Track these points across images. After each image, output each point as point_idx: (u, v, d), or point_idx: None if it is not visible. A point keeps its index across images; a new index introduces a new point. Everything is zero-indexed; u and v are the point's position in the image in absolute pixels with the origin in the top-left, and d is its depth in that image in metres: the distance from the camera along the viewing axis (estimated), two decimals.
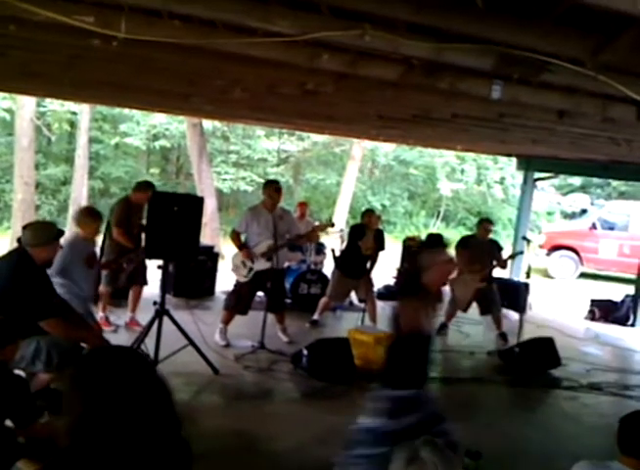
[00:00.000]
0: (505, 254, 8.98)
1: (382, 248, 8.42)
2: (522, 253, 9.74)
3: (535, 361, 7.27)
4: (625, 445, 2.71)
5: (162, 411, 1.75)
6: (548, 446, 5.32)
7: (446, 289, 8.65)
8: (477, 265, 8.40)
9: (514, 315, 9.63)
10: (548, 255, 16.49)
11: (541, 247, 16.52)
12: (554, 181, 21.91)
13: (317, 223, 9.41)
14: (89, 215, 6.02)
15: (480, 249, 8.47)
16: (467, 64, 2.97)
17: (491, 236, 8.94)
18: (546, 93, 3.68)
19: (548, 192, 23.81)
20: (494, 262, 8.59)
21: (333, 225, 8.26)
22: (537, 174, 12.04)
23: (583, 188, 25.21)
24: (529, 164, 11.61)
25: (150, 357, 2.77)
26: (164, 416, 1.75)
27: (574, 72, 3.04)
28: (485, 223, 8.82)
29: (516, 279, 11.15)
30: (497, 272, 8.97)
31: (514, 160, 12.82)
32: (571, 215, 23.02)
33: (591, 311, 10.83)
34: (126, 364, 1.76)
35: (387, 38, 2.61)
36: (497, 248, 8.83)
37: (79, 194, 16.41)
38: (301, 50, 2.92)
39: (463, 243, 8.68)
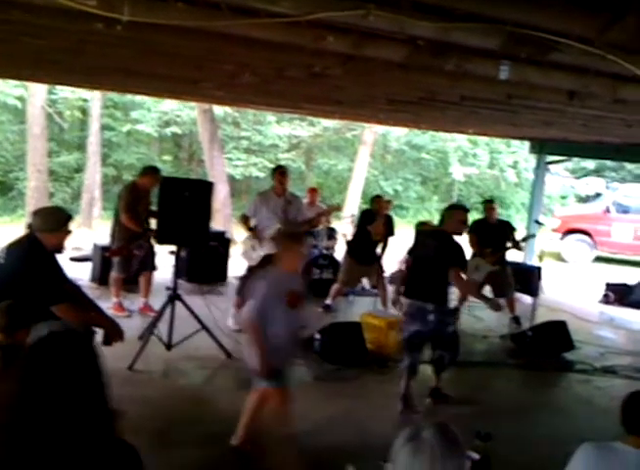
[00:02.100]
0: (518, 235, 8.93)
1: (391, 233, 8.41)
2: (534, 235, 9.68)
3: (548, 345, 7.25)
4: (630, 424, 2.71)
5: (90, 403, 1.77)
6: (560, 428, 5.32)
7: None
8: (487, 249, 8.39)
9: (527, 299, 9.61)
10: (562, 238, 16.39)
11: (555, 230, 16.42)
12: (568, 165, 21.75)
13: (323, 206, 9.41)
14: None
15: (490, 231, 8.46)
16: (473, 43, 2.94)
17: (501, 217, 8.89)
18: (555, 73, 3.64)
19: (562, 176, 23.65)
20: (508, 244, 8.54)
21: (339, 209, 8.25)
22: (550, 158, 11.94)
23: (597, 171, 25.02)
24: (542, 148, 11.52)
25: (90, 337, 2.73)
26: (92, 409, 1.77)
27: (583, 52, 3.01)
28: (489, 204, 8.79)
29: (528, 263, 11.11)
30: (512, 255, 8.94)
31: (526, 143, 12.73)
32: (585, 199, 22.85)
33: (605, 295, 10.77)
34: (64, 353, 1.80)
35: (391, 18, 2.59)
36: (509, 228, 8.76)
37: (92, 181, 16.51)
38: (306, 31, 2.91)
39: (472, 227, 8.63)
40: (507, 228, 8.75)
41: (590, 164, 24.03)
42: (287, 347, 4.12)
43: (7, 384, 1.77)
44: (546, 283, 9.91)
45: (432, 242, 5.60)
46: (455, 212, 5.62)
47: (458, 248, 5.41)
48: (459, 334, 5.88)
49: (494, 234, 8.48)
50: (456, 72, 3.45)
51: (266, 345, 3.92)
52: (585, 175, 24.97)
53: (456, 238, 5.52)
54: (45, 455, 1.68)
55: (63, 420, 1.70)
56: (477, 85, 4.02)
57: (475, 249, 8.49)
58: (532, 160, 14.68)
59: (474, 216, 9.12)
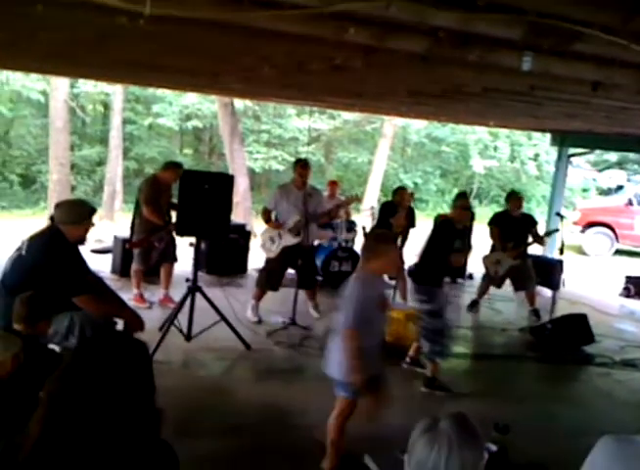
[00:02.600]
0: (540, 229, 8.86)
1: (412, 225, 8.39)
2: (557, 230, 9.63)
3: (568, 338, 7.21)
4: None
5: (137, 403, 1.78)
6: (579, 421, 5.29)
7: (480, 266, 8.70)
8: (509, 242, 8.34)
9: (547, 292, 9.56)
10: (583, 231, 16.25)
11: (576, 223, 16.29)
12: (589, 157, 21.57)
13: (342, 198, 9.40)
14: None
15: (513, 225, 8.39)
16: (496, 34, 2.92)
17: (524, 211, 8.82)
18: (578, 64, 3.59)
19: (583, 168, 23.44)
20: (530, 239, 8.47)
21: (358, 200, 8.26)
22: (572, 150, 11.83)
23: (620, 164, 24.75)
24: (564, 140, 11.42)
25: (145, 343, 2.72)
26: (138, 411, 1.77)
27: (607, 42, 2.97)
28: (514, 197, 8.66)
29: (549, 256, 11.04)
30: (534, 249, 8.89)
31: (548, 135, 12.61)
32: (607, 192, 22.62)
33: (626, 288, 10.68)
34: (115, 355, 1.81)
35: (413, 9, 2.58)
36: (531, 222, 8.66)
37: (114, 174, 16.64)
38: (327, 23, 2.90)
39: (494, 220, 8.65)
40: (529, 222, 8.65)
41: (612, 156, 23.77)
42: (377, 354, 4.03)
43: (54, 379, 1.78)
44: (567, 276, 9.82)
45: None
46: (457, 200, 5.99)
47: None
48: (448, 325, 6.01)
49: (517, 228, 8.40)
50: (478, 64, 3.41)
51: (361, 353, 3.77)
52: (607, 168, 24.72)
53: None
54: (88, 454, 1.69)
55: (110, 420, 1.70)
56: (499, 77, 3.98)
57: (496, 242, 8.47)
58: (554, 152, 14.55)
59: (493, 209, 9.08)
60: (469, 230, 7.02)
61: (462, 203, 5.99)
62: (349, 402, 3.98)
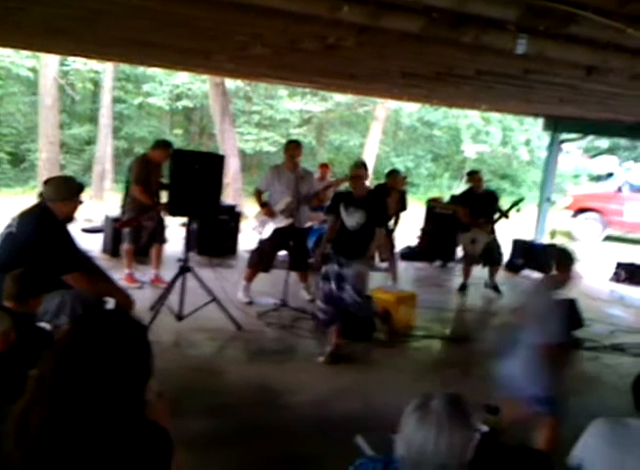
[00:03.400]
0: (504, 204, 9.08)
1: (404, 208, 8.40)
2: (523, 200, 9.62)
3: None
4: None
5: (128, 386, 1.77)
6: (569, 404, 5.32)
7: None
8: (481, 219, 8.59)
9: (537, 276, 9.60)
10: (573, 217, 16.32)
11: (567, 209, 16.35)
12: (581, 144, 21.56)
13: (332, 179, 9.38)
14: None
15: (479, 202, 8.66)
16: (491, 15, 2.90)
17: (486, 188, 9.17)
18: (573, 47, 3.58)
19: (575, 155, 23.46)
20: (496, 215, 8.73)
21: (347, 180, 8.25)
22: (564, 136, 11.85)
23: (611, 150, 24.76)
24: (556, 125, 11.42)
25: (146, 327, 2.66)
26: (127, 394, 1.77)
27: (603, 25, 2.96)
28: (475, 175, 8.99)
29: (540, 241, 11.09)
30: (505, 225, 9.11)
31: (540, 121, 12.61)
32: (598, 178, 22.67)
33: (616, 273, 10.74)
34: (114, 333, 1.80)
35: None
36: (495, 198, 8.97)
37: (104, 153, 16.54)
38: (321, 1, 2.88)
39: (461, 200, 9.08)
40: (493, 198, 8.95)
41: (604, 142, 23.79)
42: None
43: (49, 353, 1.76)
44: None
45: None
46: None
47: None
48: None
49: (483, 204, 8.69)
50: (473, 45, 3.39)
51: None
52: (598, 154, 24.74)
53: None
54: (76, 432, 1.69)
55: (99, 399, 1.70)
56: (493, 59, 3.97)
57: (467, 221, 8.67)
58: (545, 138, 14.56)
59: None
60: None
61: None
62: (556, 418, 3.87)
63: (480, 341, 6.46)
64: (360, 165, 5.89)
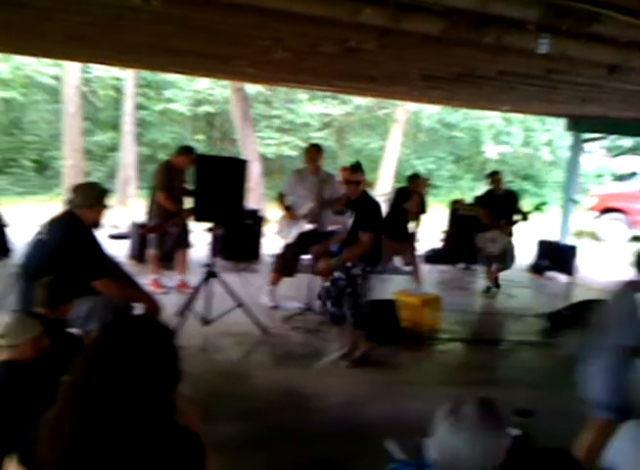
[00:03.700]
0: (525, 205, 9.10)
1: (423, 211, 8.39)
2: (544, 203, 9.64)
3: (585, 323, 7.17)
4: None
5: (158, 391, 1.79)
6: None
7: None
8: (502, 220, 8.59)
9: (562, 278, 9.53)
10: (598, 217, 16.14)
11: (591, 209, 16.18)
12: (604, 143, 21.37)
13: None
14: None
15: (499, 203, 8.67)
16: (513, 15, 2.90)
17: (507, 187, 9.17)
18: (596, 47, 3.56)
19: (598, 154, 23.24)
20: (515, 217, 8.73)
21: (369, 185, 8.27)
22: (586, 135, 11.74)
23: (634, 150, 24.48)
24: (579, 125, 11.32)
25: (173, 331, 2.61)
26: (158, 399, 1.78)
27: (625, 24, 2.94)
28: (495, 176, 8.96)
29: (564, 242, 11.00)
30: (529, 226, 9.20)
31: (562, 121, 12.51)
32: (621, 178, 22.42)
33: None
34: (144, 338, 1.82)
35: None
36: (515, 198, 8.95)
37: (127, 160, 16.68)
38: (343, 4, 2.89)
39: (481, 201, 9.04)
40: (513, 198, 8.92)
41: (627, 141, 23.52)
42: None
43: (81, 360, 1.79)
44: (581, 262, 9.79)
45: None
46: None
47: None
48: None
49: (503, 205, 8.69)
50: (495, 46, 3.39)
51: None
52: (621, 154, 24.47)
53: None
54: (107, 437, 1.70)
55: (130, 404, 1.72)
56: (515, 59, 3.95)
57: (488, 222, 8.63)
58: (568, 137, 14.41)
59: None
60: None
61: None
62: (612, 424, 3.60)
63: (562, 346, 6.42)
64: (358, 170, 5.81)
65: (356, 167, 5.77)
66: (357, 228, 5.49)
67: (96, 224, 4.58)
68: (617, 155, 24.41)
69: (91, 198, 4.47)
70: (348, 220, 5.65)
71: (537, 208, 9.22)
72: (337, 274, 5.57)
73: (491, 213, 8.62)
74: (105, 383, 1.71)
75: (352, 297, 5.54)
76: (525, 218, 8.79)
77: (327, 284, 5.74)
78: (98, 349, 1.78)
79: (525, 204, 9.23)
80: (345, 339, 5.84)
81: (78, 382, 1.73)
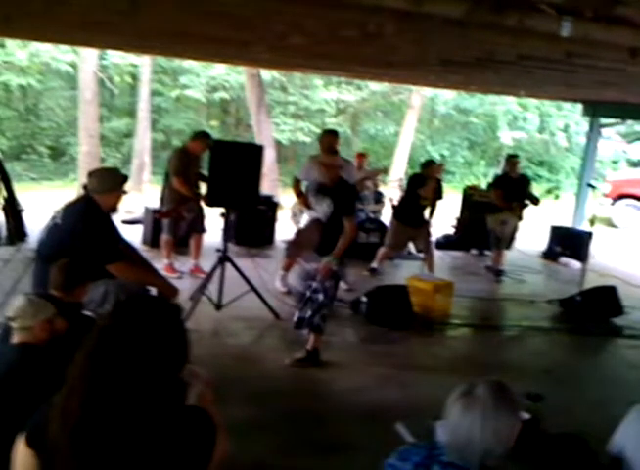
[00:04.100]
0: (535, 190, 9.35)
1: (440, 197, 8.35)
2: (556, 188, 9.72)
3: (597, 310, 7.17)
4: None
5: (166, 372, 1.80)
6: (608, 392, 5.28)
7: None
8: (514, 203, 8.77)
9: (576, 264, 9.48)
10: (613, 204, 16.01)
11: (606, 195, 16.04)
12: (620, 129, 21.13)
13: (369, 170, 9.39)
14: None
15: (513, 186, 8.82)
16: None
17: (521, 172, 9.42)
18: (619, 29, 3.50)
19: (614, 140, 23.01)
20: (526, 201, 8.91)
21: (385, 172, 8.26)
22: (603, 121, 11.62)
23: None
24: (596, 110, 11.20)
25: (180, 309, 2.52)
26: (166, 377, 1.79)
27: None
28: (512, 159, 9.16)
29: (579, 228, 10.93)
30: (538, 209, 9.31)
31: (578, 106, 12.40)
32: (637, 164, 22.21)
33: None
34: (151, 317, 1.83)
35: None
36: (527, 182, 9.19)
37: (142, 146, 16.70)
38: None
39: (496, 183, 9.20)
40: (526, 181, 9.16)
41: None
42: None
43: (88, 340, 1.80)
44: (596, 248, 9.74)
45: None
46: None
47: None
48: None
49: (517, 188, 8.84)
50: (516, 29, 3.34)
51: None
52: (638, 139, 24.22)
53: None
54: (116, 415, 1.71)
55: (136, 382, 1.73)
56: (536, 43, 3.89)
57: (501, 203, 8.80)
58: (584, 123, 14.29)
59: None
60: None
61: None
62: None
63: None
64: (336, 154, 5.64)
65: (335, 151, 5.61)
66: (340, 215, 5.30)
67: (113, 209, 4.60)
68: (632, 141, 24.17)
69: (109, 183, 4.49)
70: (319, 207, 5.42)
71: (549, 192, 9.28)
72: (315, 285, 5.30)
73: (504, 196, 8.75)
74: (113, 360, 1.72)
75: (320, 305, 5.31)
76: (536, 203, 8.93)
77: (304, 288, 5.45)
78: (107, 327, 1.79)
79: (538, 189, 9.31)
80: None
81: (87, 360, 1.75)
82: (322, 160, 5.52)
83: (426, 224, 8.29)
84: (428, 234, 8.38)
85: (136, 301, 2.03)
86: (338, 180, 5.47)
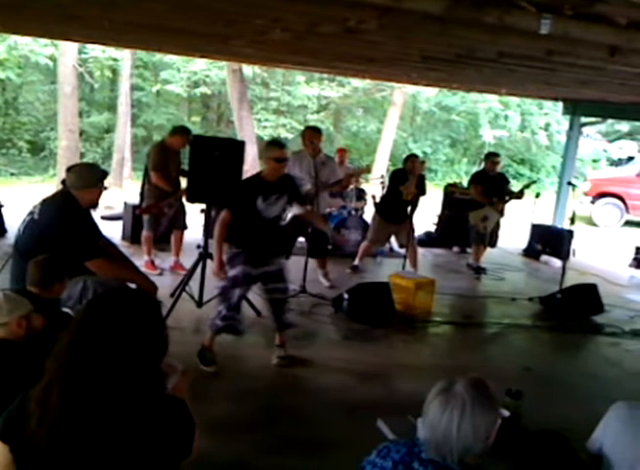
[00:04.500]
0: (514, 187, 9.57)
1: (423, 193, 8.36)
2: (535, 182, 9.80)
3: (578, 307, 7.21)
4: None
5: (145, 363, 1.80)
6: (588, 389, 5.32)
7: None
8: (494, 198, 8.86)
9: (556, 262, 9.55)
10: (593, 202, 16.16)
11: (586, 194, 16.19)
12: (600, 128, 21.36)
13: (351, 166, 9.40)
14: None
15: (492, 182, 8.92)
16: None
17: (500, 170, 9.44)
18: (598, 27, 3.52)
19: (594, 139, 23.23)
20: (507, 197, 9.01)
21: (368, 171, 8.25)
22: (584, 119, 11.71)
23: (631, 135, 24.49)
24: (576, 109, 11.28)
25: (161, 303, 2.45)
26: (144, 367, 1.79)
27: (628, 4, 2.91)
28: (492, 157, 9.24)
29: (559, 226, 11.00)
30: (516, 206, 9.48)
31: (559, 105, 12.49)
32: (618, 163, 22.44)
33: (636, 259, 10.62)
34: (130, 310, 1.83)
35: None
36: (506, 180, 9.34)
37: (123, 141, 16.58)
38: None
39: (475, 179, 9.25)
40: (504, 180, 9.29)
41: (624, 126, 23.51)
42: None
43: (65, 333, 1.78)
44: (576, 246, 9.82)
45: None
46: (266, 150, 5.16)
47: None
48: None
49: (495, 184, 8.95)
50: (496, 26, 3.34)
51: None
52: (618, 138, 24.47)
53: None
54: (96, 407, 1.71)
55: (115, 373, 1.72)
56: (516, 40, 3.89)
57: (481, 198, 8.92)
58: (565, 122, 14.39)
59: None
60: None
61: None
62: None
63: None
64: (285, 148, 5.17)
65: (283, 144, 5.31)
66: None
67: (92, 205, 4.54)
68: (613, 140, 24.42)
69: (87, 179, 4.43)
70: (270, 209, 5.03)
71: (527, 186, 9.33)
72: (282, 285, 5.24)
73: (484, 191, 8.85)
74: (90, 353, 1.72)
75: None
76: (518, 197, 9.03)
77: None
78: (83, 320, 1.79)
79: (517, 186, 9.43)
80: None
81: (63, 354, 1.73)
82: (278, 155, 4.98)
83: (408, 220, 8.29)
84: (411, 228, 8.37)
85: (113, 292, 2.02)
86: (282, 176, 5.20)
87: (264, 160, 5.12)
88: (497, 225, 9.18)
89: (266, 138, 19.55)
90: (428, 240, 10.71)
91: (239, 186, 5.21)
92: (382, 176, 10.54)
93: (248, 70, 16.65)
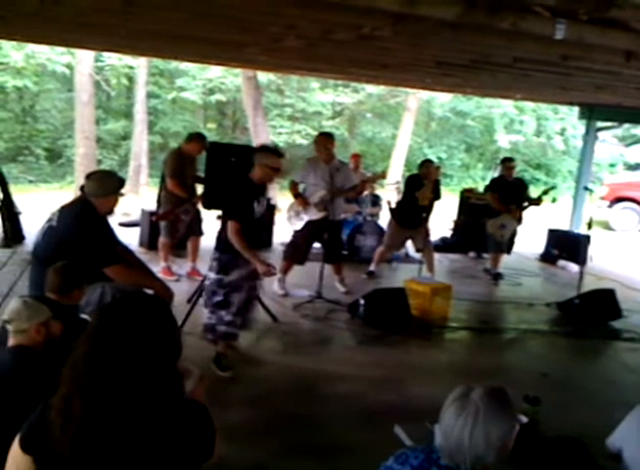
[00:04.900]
0: (533, 192, 9.21)
1: (438, 197, 8.35)
2: (553, 188, 9.68)
3: (596, 313, 7.16)
4: None
5: (161, 366, 1.80)
6: (606, 395, 5.27)
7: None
8: (512, 205, 8.74)
9: (574, 267, 9.49)
10: (610, 207, 16.04)
11: (603, 198, 16.09)
12: (617, 132, 21.19)
13: (368, 175, 9.38)
14: None
15: (509, 189, 8.80)
16: (531, 0, 2.86)
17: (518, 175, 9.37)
18: (612, 32, 3.51)
19: (611, 143, 23.07)
20: (525, 204, 8.87)
21: (383, 176, 8.24)
22: (600, 124, 11.64)
23: None
24: (592, 113, 11.20)
25: (168, 303, 2.40)
26: (162, 371, 1.80)
27: None
28: (507, 162, 9.12)
29: (576, 231, 10.94)
30: (533, 211, 9.19)
31: (575, 109, 12.42)
32: (635, 167, 22.27)
33: None
34: (142, 315, 1.84)
35: None
36: (524, 185, 9.14)
37: (139, 149, 16.70)
38: None
39: (492, 186, 9.13)
40: (523, 185, 9.11)
41: None
42: None
43: (81, 342, 1.80)
44: (594, 251, 9.74)
45: None
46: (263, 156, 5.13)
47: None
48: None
49: (513, 191, 8.82)
50: (511, 32, 3.35)
51: None
52: (635, 143, 24.28)
53: None
54: (118, 413, 1.72)
55: (134, 379, 1.73)
56: (531, 45, 3.90)
57: (498, 206, 8.80)
58: (581, 127, 14.31)
59: None
60: None
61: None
62: None
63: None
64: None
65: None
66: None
67: (109, 212, 4.58)
68: (630, 144, 24.23)
69: (106, 187, 4.47)
70: (260, 208, 5.28)
71: (545, 192, 9.23)
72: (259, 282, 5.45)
73: (501, 198, 8.75)
74: (107, 360, 1.73)
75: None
76: (536, 204, 8.89)
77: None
78: (97, 327, 1.80)
79: (534, 192, 9.30)
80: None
81: (81, 362, 1.74)
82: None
83: (424, 224, 8.28)
84: (426, 233, 8.36)
85: (121, 299, 2.04)
86: None
87: (259, 165, 5.10)
88: (514, 232, 9.09)
89: (281, 144, 19.63)
90: (443, 245, 10.68)
91: (239, 195, 5.18)
92: (397, 182, 10.53)
93: (262, 76, 16.71)
